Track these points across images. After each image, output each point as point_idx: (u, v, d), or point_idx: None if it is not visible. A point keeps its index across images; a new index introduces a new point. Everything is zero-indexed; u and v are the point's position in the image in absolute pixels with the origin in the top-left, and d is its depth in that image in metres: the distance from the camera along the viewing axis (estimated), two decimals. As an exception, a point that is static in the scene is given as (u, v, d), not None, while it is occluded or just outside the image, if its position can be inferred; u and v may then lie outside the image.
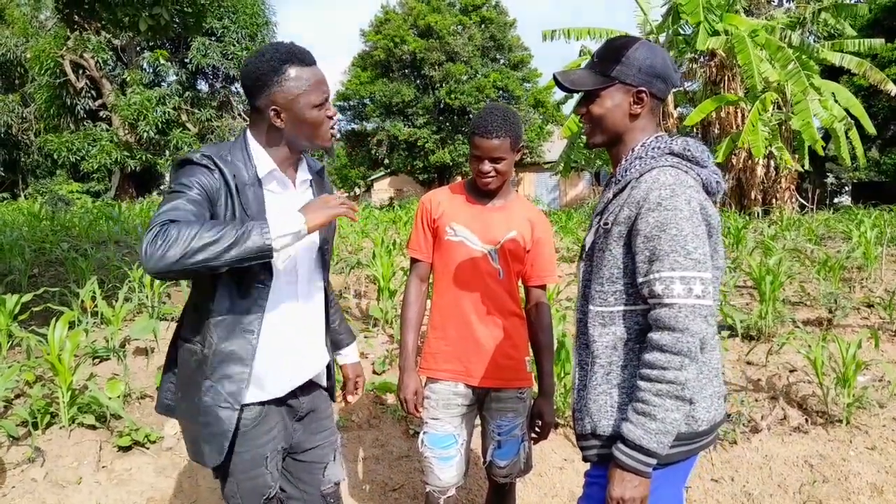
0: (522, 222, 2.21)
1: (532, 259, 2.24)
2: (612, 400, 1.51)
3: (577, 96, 1.75)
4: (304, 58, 1.62)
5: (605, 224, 1.54)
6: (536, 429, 2.26)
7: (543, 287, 2.30)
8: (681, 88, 15.93)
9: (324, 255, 1.85)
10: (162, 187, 25.98)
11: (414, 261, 2.29)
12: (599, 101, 1.58)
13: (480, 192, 2.20)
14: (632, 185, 1.51)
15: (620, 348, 1.52)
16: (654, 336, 1.40)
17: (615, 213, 1.52)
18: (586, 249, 1.63)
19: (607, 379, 1.52)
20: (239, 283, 1.61)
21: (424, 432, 2.21)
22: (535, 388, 2.32)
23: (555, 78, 1.63)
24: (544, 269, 2.26)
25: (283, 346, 1.71)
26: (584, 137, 1.70)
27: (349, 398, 2.05)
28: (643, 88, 1.55)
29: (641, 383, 1.41)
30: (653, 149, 1.54)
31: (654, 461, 1.40)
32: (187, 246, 1.36)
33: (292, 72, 1.59)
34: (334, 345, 2.05)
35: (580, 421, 1.58)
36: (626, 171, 1.56)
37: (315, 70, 1.64)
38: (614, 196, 1.56)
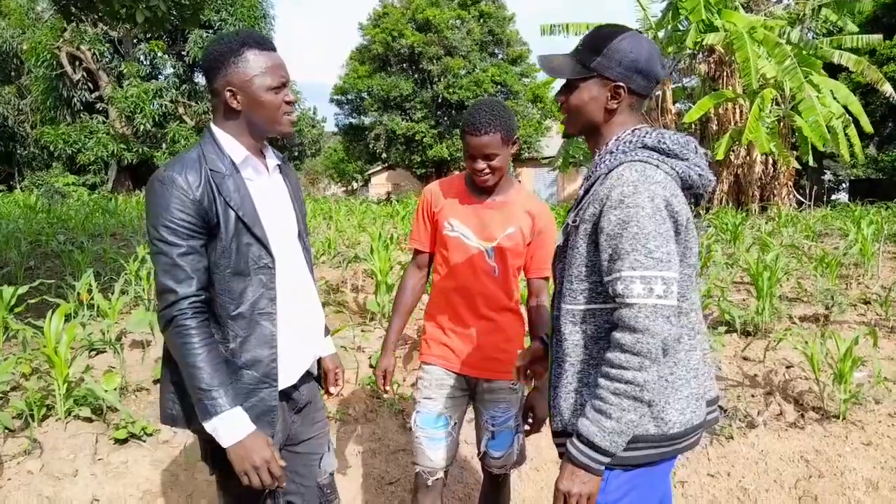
0: (522, 216, 2.19)
1: (532, 251, 2.22)
2: (580, 398, 1.50)
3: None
4: (262, 42, 1.65)
5: (574, 221, 1.50)
6: (529, 421, 2.27)
7: (546, 279, 2.27)
8: (679, 84, 15.91)
9: (304, 243, 1.87)
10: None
11: (415, 252, 2.32)
12: (577, 93, 1.53)
13: (479, 188, 2.19)
14: (600, 180, 1.47)
15: (590, 346, 1.49)
16: (616, 335, 1.37)
17: (584, 209, 1.48)
18: (559, 246, 1.60)
19: (577, 377, 1.51)
20: (244, 271, 1.63)
21: (417, 412, 2.24)
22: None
23: (538, 60, 1.58)
24: (545, 260, 2.23)
25: (294, 331, 1.74)
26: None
27: (332, 390, 2.06)
28: (621, 84, 1.49)
29: (601, 381, 1.39)
30: (625, 143, 1.49)
31: (606, 459, 1.39)
32: (179, 353, 1.54)
33: (249, 54, 1.61)
34: None
35: (554, 418, 1.58)
36: (596, 167, 1.52)
37: (273, 55, 1.66)
38: (585, 193, 1.52)
